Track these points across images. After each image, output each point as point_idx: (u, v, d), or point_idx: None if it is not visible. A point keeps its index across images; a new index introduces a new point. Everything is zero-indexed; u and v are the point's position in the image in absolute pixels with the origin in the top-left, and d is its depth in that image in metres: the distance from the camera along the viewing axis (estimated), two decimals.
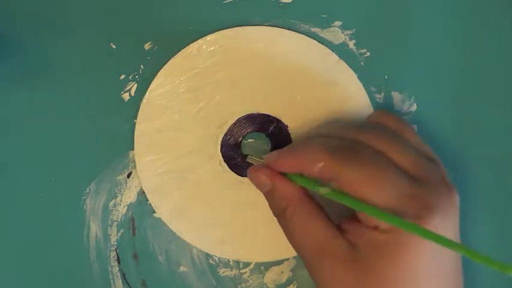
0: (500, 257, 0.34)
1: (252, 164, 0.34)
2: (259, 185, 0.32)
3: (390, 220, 0.27)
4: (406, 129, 0.32)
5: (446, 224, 0.29)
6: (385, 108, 0.36)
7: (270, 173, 0.31)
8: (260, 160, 0.34)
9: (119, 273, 0.36)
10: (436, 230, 0.27)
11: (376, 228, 0.29)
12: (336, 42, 0.35)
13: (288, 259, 0.36)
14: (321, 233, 0.30)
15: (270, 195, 0.32)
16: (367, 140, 0.30)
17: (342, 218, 0.31)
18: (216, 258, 0.36)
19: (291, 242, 0.31)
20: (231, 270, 0.36)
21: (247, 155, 0.35)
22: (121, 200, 0.36)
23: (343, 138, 0.31)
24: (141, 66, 0.35)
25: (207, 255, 0.36)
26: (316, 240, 0.30)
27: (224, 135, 0.35)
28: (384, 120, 0.33)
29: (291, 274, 0.36)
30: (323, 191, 0.29)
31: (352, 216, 0.30)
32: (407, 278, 0.28)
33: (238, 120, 0.35)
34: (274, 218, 0.33)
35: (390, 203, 0.28)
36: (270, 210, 0.34)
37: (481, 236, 0.35)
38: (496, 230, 0.36)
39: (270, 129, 0.35)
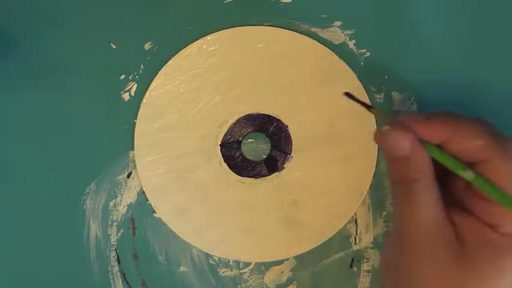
0: None
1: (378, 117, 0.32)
2: (394, 148, 0.28)
3: None
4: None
5: None
6: (385, 107, 0.35)
7: (413, 138, 0.28)
8: (390, 117, 0.30)
9: (118, 273, 0.36)
10: None
11: (495, 227, 0.27)
12: (336, 42, 0.35)
13: (288, 259, 0.36)
14: (436, 216, 0.28)
15: (401, 161, 0.28)
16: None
17: (447, 206, 0.28)
18: (216, 258, 0.36)
19: (401, 216, 0.28)
20: (231, 270, 0.36)
21: (370, 107, 0.30)
22: (121, 200, 0.36)
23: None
24: (141, 66, 0.35)
25: (207, 255, 0.36)
26: (431, 222, 0.28)
27: (224, 135, 0.35)
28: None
29: (291, 274, 0.36)
30: (467, 175, 0.27)
31: (462, 208, 0.28)
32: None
33: (238, 120, 0.35)
34: (274, 218, 0.33)
35: None
36: (270, 210, 0.34)
37: None
38: None
39: (270, 129, 0.35)
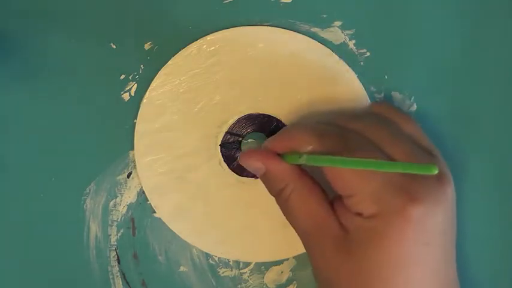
0: (500, 252, 0.34)
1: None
2: (253, 170, 0.32)
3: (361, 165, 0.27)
4: (404, 120, 0.32)
5: (433, 215, 0.29)
6: (385, 100, 0.36)
7: (261, 156, 0.31)
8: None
9: (118, 273, 0.36)
10: (419, 223, 0.28)
11: (360, 214, 0.29)
12: (336, 42, 0.35)
13: (288, 259, 0.36)
14: (318, 210, 0.30)
15: (265, 178, 0.32)
16: (358, 129, 0.31)
17: (334, 196, 0.31)
18: (216, 258, 0.36)
19: (289, 221, 0.31)
20: (231, 270, 0.36)
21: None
22: (121, 200, 0.36)
23: (335, 125, 0.31)
24: (141, 66, 0.35)
25: (207, 255, 0.36)
26: (312, 217, 0.30)
27: (224, 135, 0.35)
28: (381, 111, 0.33)
29: (291, 274, 0.36)
30: (302, 160, 0.29)
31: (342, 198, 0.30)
32: (389, 262, 0.28)
33: (238, 120, 0.35)
34: (274, 218, 0.33)
35: (373, 189, 0.28)
36: (270, 210, 0.34)
37: (479, 231, 0.35)
38: (494, 227, 0.36)
39: (270, 129, 0.35)
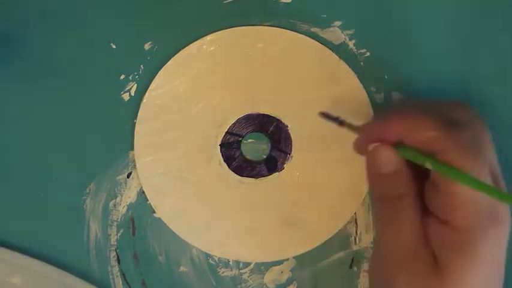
0: None
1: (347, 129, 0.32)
2: (382, 165, 0.28)
3: (493, 194, 0.26)
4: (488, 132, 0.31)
5: (503, 238, 0.29)
6: (385, 107, 0.35)
7: (397, 153, 0.28)
8: (357, 127, 0.31)
9: (118, 273, 0.36)
10: (499, 242, 0.27)
11: (445, 222, 0.27)
12: (336, 42, 0.35)
13: (288, 259, 0.36)
14: (419, 233, 0.28)
15: (385, 177, 0.29)
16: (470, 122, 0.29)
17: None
18: (216, 258, 0.36)
19: (383, 234, 0.29)
20: (231, 270, 0.36)
21: (342, 121, 0.32)
22: (121, 200, 0.36)
23: (457, 118, 0.29)
24: (141, 66, 0.35)
25: (207, 255, 0.36)
26: (414, 240, 0.28)
27: (224, 135, 0.35)
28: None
29: (291, 274, 0.36)
30: (428, 163, 0.27)
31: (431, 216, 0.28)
32: (480, 280, 0.27)
33: (238, 120, 0.35)
34: (274, 218, 0.33)
35: (474, 197, 0.27)
36: (270, 210, 0.34)
37: None
38: None
39: (270, 129, 0.35)
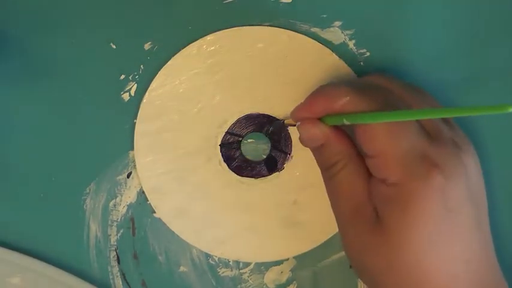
0: None
1: (287, 127, 0.34)
2: (311, 140, 0.31)
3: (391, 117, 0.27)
4: (422, 90, 0.33)
5: (454, 185, 0.29)
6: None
7: (322, 126, 0.31)
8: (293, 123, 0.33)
9: (118, 273, 0.36)
10: (441, 190, 0.28)
11: (384, 181, 0.29)
12: (336, 42, 0.35)
13: (288, 259, 0.36)
14: (360, 192, 0.30)
15: (321, 150, 0.31)
16: (393, 88, 0.31)
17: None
18: (216, 258, 0.36)
19: (330, 197, 0.32)
20: (231, 270, 0.36)
21: (283, 121, 0.35)
22: (121, 200, 0.36)
23: (368, 83, 0.31)
24: (141, 66, 0.35)
25: (207, 255, 0.36)
26: (353, 198, 0.30)
27: (224, 135, 0.35)
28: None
29: (291, 274, 0.36)
30: (344, 120, 0.29)
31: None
32: (418, 235, 0.28)
33: (238, 120, 0.35)
34: (274, 218, 0.33)
35: (399, 152, 0.28)
36: (270, 210, 0.34)
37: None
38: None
39: (270, 129, 0.35)
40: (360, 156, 0.31)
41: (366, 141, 0.29)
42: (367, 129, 0.29)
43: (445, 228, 0.28)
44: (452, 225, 0.29)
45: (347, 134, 0.31)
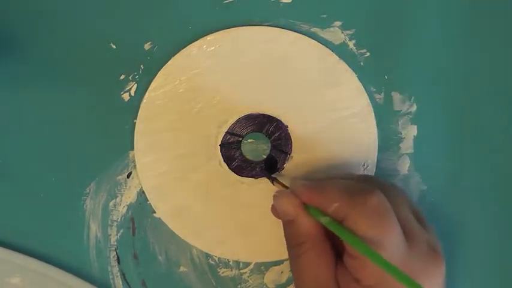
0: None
1: (276, 187, 0.34)
2: (282, 213, 0.31)
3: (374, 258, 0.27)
4: (401, 191, 0.33)
5: None
6: (385, 107, 0.36)
7: (296, 204, 0.31)
8: (285, 186, 0.33)
9: (118, 273, 0.36)
10: None
11: (359, 281, 0.29)
12: (336, 42, 0.35)
13: (287, 259, 0.36)
14: (323, 277, 0.30)
15: (289, 225, 0.31)
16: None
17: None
18: (216, 258, 0.36)
19: (294, 276, 0.31)
20: (231, 270, 0.36)
21: (274, 178, 0.35)
22: (121, 200, 0.36)
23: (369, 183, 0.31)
24: (141, 66, 0.35)
25: (207, 255, 0.36)
26: (317, 283, 0.30)
27: (224, 135, 0.35)
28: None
29: (291, 274, 0.36)
30: (324, 220, 0.29)
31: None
32: None
33: (238, 120, 0.35)
34: (274, 218, 0.33)
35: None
36: (270, 211, 0.34)
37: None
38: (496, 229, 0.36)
39: (270, 129, 0.35)
40: (327, 240, 0.31)
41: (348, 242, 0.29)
42: (350, 227, 0.29)
43: None
44: None
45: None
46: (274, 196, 0.32)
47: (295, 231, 0.31)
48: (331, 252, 0.31)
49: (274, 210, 0.33)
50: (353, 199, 0.29)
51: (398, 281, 0.25)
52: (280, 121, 0.35)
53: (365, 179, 0.33)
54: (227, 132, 0.35)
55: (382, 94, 0.36)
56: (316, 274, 0.30)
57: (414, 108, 0.36)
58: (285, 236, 0.32)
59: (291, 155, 0.35)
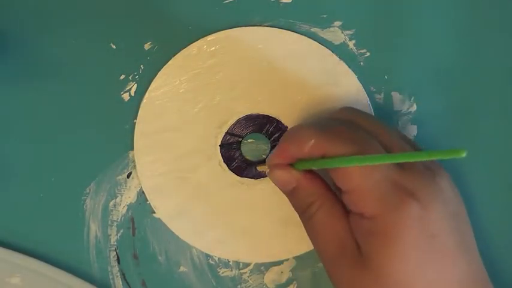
0: None
1: (264, 172, 0.34)
2: (283, 184, 0.31)
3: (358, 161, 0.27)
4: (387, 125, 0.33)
5: (432, 210, 0.28)
6: (385, 107, 0.36)
7: (293, 171, 0.31)
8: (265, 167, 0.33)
9: (118, 273, 0.36)
10: (419, 218, 0.27)
11: (361, 215, 0.29)
12: (336, 42, 0.35)
13: (287, 259, 0.36)
14: (340, 229, 0.30)
15: (294, 193, 0.31)
16: (358, 120, 0.31)
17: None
18: (216, 258, 0.36)
19: (312, 240, 0.31)
20: (231, 270, 0.36)
21: (255, 167, 0.35)
22: (121, 200, 0.36)
23: (334, 119, 0.31)
24: (141, 66, 0.35)
25: (207, 255, 0.36)
26: (335, 237, 0.30)
27: (224, 136, 0.35)
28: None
29: (291, 274, 0.36)
30: (311, 164, 0.29)
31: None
32: (402, 266, 0.28)
33: (238, 121, 0.35)
34: (274, 218, 0.33)
35: (373, 185, 0.28)
36: (270, 211, 0.34)
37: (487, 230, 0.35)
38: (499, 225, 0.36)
39: (270, 130, 0.35)
40: (335, 194, 0.31)
41: (338, 177, 0.29)
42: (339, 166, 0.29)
43: (430, 254, 0.28)
44: (437, 250, 0.28)
45: (318, 175, 0.31)
46: (268, 173, 0.32)
47: (301, 195, 0.31)
48: (341, 206, 0.30)
49: (280, 183, 0.32)
50: (325, 133, 0.29)
51: (437, 158, 0.24)
52: (280, 122, 0.35)
53: (346, 111, 0.33)
54: (227, 133, 0.35)
55: (382, 94, 0.36)
56: (332, 227, 0.30)
57: (414, 108, 0.36)
58: (294, 206, 0.32)
59: None
